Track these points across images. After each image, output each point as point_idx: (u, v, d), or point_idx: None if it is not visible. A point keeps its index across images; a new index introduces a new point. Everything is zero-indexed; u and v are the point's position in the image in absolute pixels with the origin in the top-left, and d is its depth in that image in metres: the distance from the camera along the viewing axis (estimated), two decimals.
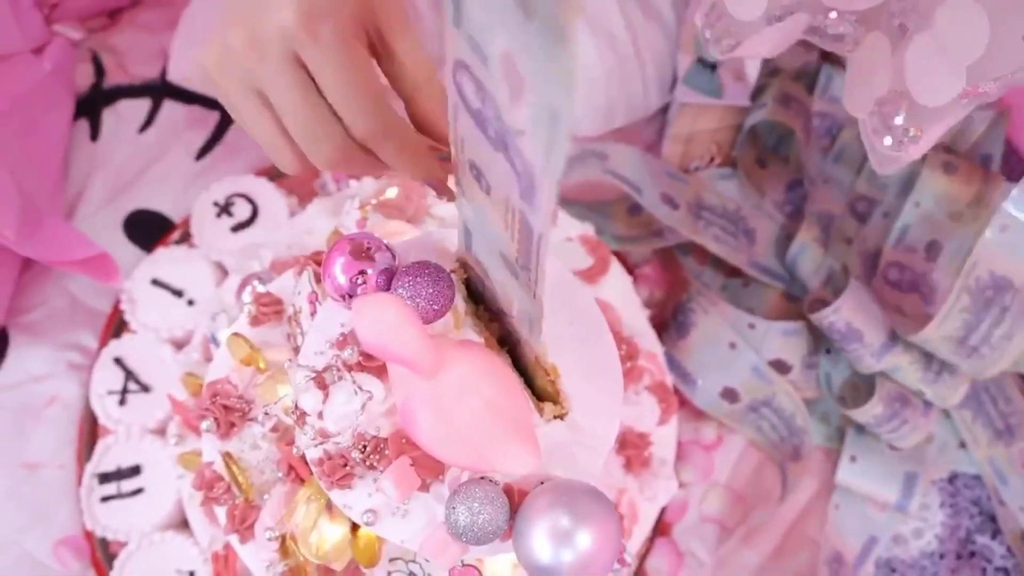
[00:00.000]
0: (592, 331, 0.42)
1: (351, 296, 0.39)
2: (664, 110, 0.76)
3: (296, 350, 0.49)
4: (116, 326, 0.69)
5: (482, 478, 0.38)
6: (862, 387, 0.68)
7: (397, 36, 0.36)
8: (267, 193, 0.70)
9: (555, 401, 0.40)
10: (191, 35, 0.72)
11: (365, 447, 0.38)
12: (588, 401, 0.41)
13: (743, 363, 0.68)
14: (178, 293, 0.67)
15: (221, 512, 0.48)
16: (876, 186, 0.76)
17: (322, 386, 0.39)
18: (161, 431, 0.64)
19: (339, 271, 0.39)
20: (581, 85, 0.72)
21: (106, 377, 0.65)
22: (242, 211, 0.69)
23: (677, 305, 0.72)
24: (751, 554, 0.70)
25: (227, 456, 0.47)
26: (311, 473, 0.45)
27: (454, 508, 0.37)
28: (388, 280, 0.39)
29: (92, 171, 0.74)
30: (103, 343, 0.68)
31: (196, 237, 0.69)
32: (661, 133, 0.77)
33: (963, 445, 0.71)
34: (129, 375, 0.65)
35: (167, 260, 0.68)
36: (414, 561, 0.46)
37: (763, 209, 0.75)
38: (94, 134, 0.76)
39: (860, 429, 0.70)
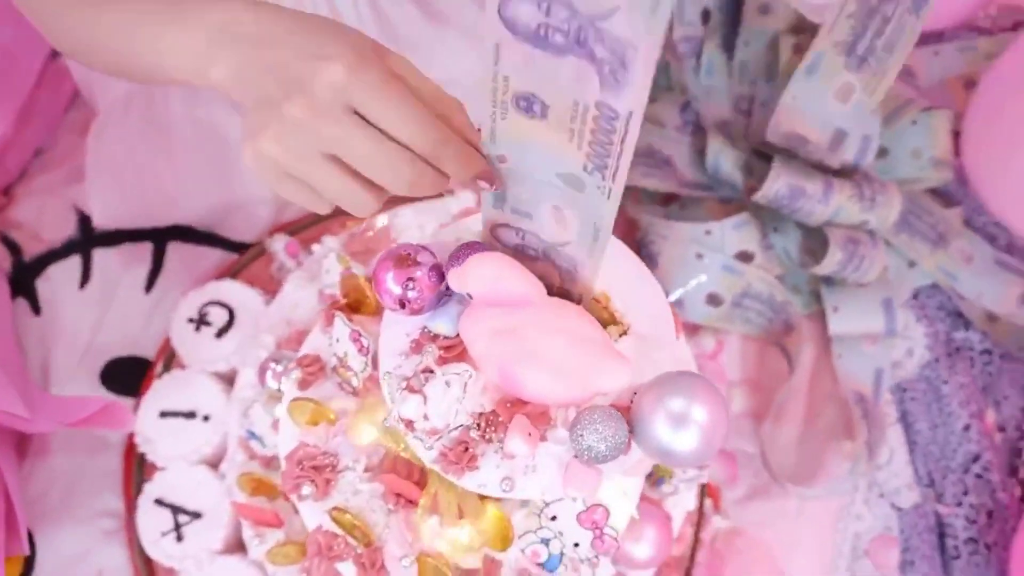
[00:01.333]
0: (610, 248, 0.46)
1: (408, 302, 0.42)
2: None
3: (356, 392, 0.51)
4: (138, 473, 0.68)
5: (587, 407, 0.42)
6: (816, 246, 0.76)
7: (405, 68, 0.40)
8: (235, 291, 0.71)
9: (614, 323, 0.45)
10: (104, 176, 0.72)
11: (480, 424, 0.41)
12: (639, 312, 0.45)
13: (714, 266, 0.74)
14: (190, 415, 0.67)
15: (346, 567, 0.49)
16: (747, 83, 0.84)
17: (415, 391, 0.42)
18: (230, 549, 0.64)
19: (391, 283, 0.42)
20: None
21: (153, 522, 0.64)
22: (219, 316, 0.70)
23: (636, 244, 0.78)
24: (788, 429, 0.76)
25: (336, 511, 0.48)
26: (421, 488, 0.48)
27: (581, 436, 0.40)
28: (439, 274, 0.42)
29: (48, 344, 0.73)
30: (130, 495, 0.67)
31: (184, 357, 0.69)
32: None
33: (912, 264, 0.80)
34: (176, 510, 0.64)
35: (165, 390, 0.68)
36: (542, 528, 0.49)
37: (669, 136, 0.82)
38: (35, 309, 0.74)
39: (829, 281, 0.77)
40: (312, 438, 0.50)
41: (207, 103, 0.72)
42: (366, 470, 0.50)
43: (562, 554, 0.50)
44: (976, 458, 0.75)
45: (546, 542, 0.49)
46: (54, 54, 0.80)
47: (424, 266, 0.42)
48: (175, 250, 0.76)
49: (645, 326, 0.45)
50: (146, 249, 0.76)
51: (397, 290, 0.42)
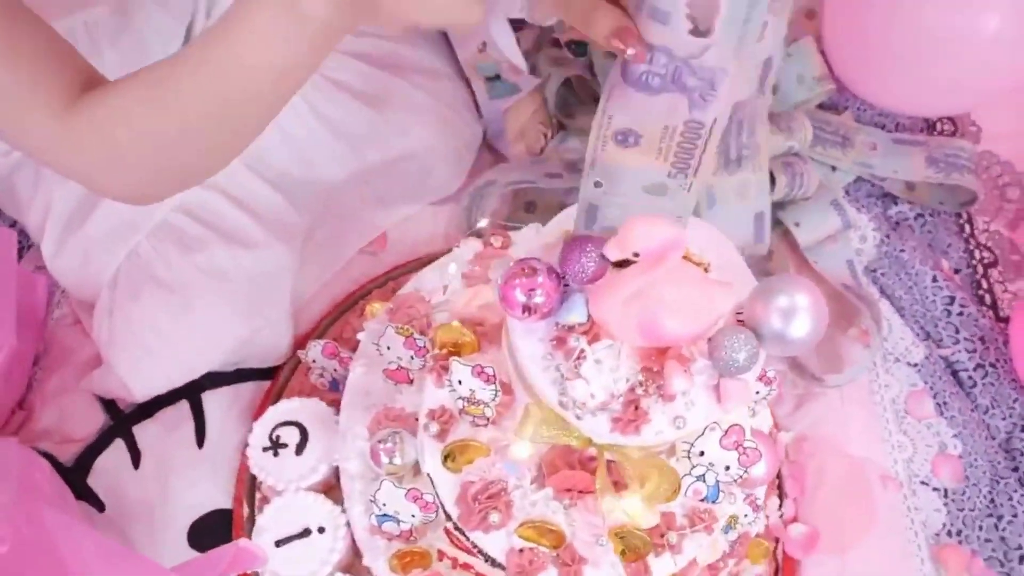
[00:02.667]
0: None
1: (536, 308, 0.48)
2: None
3: (492, 421, 0.55)
4: None
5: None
6: None
7: None
8: (294, 407, 0.72)
9: (696, 263, 0.52)
10: (129, 352, 0.73)
11: (643, 381, 0.47)
12: (712, 252, 0.53)
13: None
14: (304, 533, 0.68)
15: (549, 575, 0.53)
16: None
17: (576, 377, 0.47)
18: None
19: (519, 295, 0.48)
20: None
21: None
22: (291, 435, 0.71)
23: None
24: None
25: (522, 527, 0.52)
26: (593, 473, 0.53)
27: (723, 353, 0.47)
28: (556, 276, 0.48)
29: (126, 534, 0.72)
30: None
31: (272, 485, 0.70)
32: (496, 153, 0.92)
33: (834, 168, 0.93)
34: None
35: (269, 522, 0.68)
36: (695, 467, 0.54)
37: None
38: (99, 506, 0.73)
39: (782, 205, 0.88)
40: (473, 475, 0.54)
41: (202, 248, 0.75)
42: (532, 482, 0.54)
43: (717, 483, 0.56)
44: (952, 300, 0.87)
45: (702, 478, 0.55)
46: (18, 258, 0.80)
47: (542, 272, 0.48)
48: (211, 398, 0.77)
49: (720, 262, 0.53)
50: (183, 408, 0.77)
51: (523, 298, 0.48)
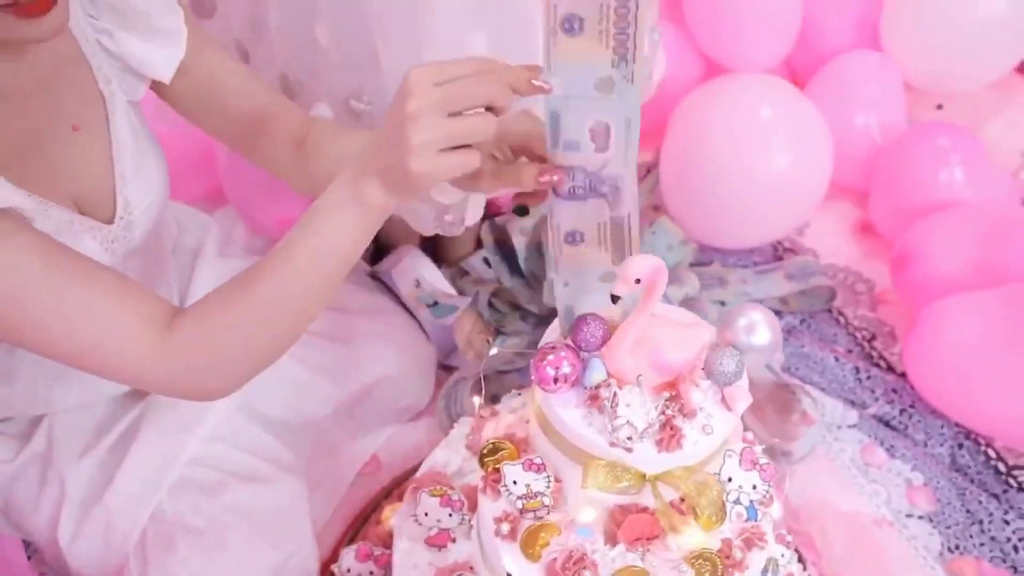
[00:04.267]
0: None
1: (566, 378, 0.59)
2: None
3: (549, 509, 0.62)
4: None
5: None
6: None
7: None
8: None
9: None
10: None
11: (669, 405, 0.58)
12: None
13: None
14: None
15: None
16: None
17: (618, 417, 0.57)
18: None
19: (550, 370, 0.59)
20: None
21: None
22: None
23: None
24: (759, 429, 0.98)
25: (619, 572, 0.58)
26: (655, 517, 0.60)
27: (719, 368, 0.59)
28: (574, 349, 0.60)
29: None
30: None
31: None
32: (451, 370, 1.05)
33: (722, 304, 1.12)
34: None
35: None
36: (728, 493, 0.63)
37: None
38: None
39: None
40: (553, 552, 0.60)
41: (225, 490, 0.79)
42: (605, 543, 0.60)
43: (751, 502, 0.64)
44: (857, 370, 1.04)
45: (738, 500, 0.64)
46: None
47: (562, 348, 0.59)
48: None
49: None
50: None
51: (553, 372, 0.59)
